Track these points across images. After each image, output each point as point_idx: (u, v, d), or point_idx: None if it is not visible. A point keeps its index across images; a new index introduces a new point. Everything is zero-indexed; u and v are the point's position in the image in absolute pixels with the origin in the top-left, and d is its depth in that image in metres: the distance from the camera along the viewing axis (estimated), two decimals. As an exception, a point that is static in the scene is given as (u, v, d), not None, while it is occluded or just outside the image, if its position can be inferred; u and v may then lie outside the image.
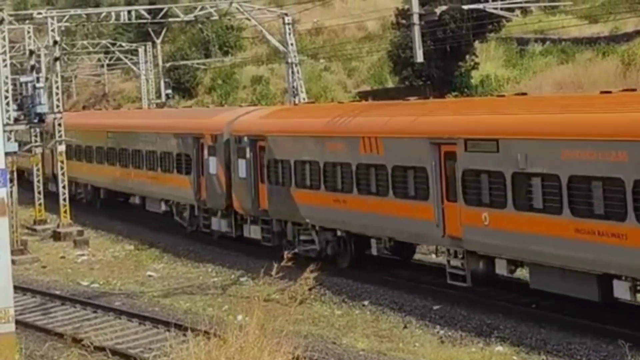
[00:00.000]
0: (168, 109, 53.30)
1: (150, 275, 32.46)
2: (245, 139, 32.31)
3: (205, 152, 35.04)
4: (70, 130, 43.36)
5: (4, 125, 28.89)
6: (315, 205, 29.07)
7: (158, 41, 70.80)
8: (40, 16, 43.69)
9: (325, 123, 28.98)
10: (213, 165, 34.54)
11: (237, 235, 34.32)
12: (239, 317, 23.08)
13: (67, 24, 46.68)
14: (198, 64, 74.72)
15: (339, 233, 28.51)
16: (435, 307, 24.05)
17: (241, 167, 32.59)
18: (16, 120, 38.99)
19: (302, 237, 30.01)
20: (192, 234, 37.55)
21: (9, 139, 36.24)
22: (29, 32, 43.49)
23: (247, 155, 32.19)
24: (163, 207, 39.91)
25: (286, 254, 15.78)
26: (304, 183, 29.61)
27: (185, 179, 36.72)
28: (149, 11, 47.37)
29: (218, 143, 34.09)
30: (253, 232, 32.88)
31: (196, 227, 37.16)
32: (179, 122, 39.64)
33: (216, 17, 51.98)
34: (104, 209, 47.14)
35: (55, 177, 43.89)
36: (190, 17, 48.44)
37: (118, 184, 44.80)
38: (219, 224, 35.03)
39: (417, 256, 29.57)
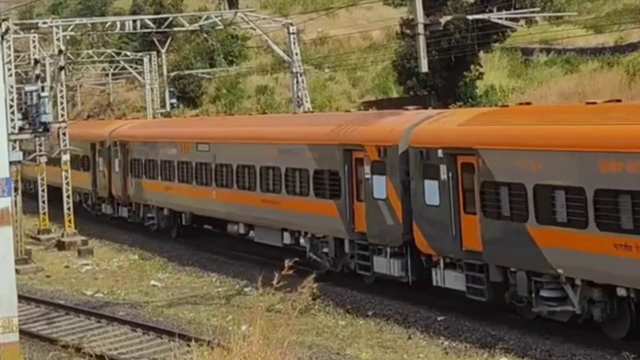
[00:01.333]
0: (299, 113, 41.37)
1: (154, 285, 32.43)
2: (440, 153, 24.11)
3: (366, 169, 27.05)
4: (138, 143, 43.21)
5: (9, 135, 28.94)
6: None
7: (163, 50, 70.81)
8: (45, 25, 43.80)
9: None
10: (380, 186, 26.65)
11: (415, 280, 25.96)
12: (243, 327, 23.01)
13: (72, 33, 46.77)
14: (203, 73, 74.75)
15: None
16: (439, 318, 23.99)
17: (431, 191, 24.40)
18: (21, 129, 38.99)
19: (546, 294, 21.53)
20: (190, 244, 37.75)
21: (13, 148, 36.29)
22: (34, 42, 43.51)
23: (442, 175, 23.96)
24: (286, 240, 31.28)
25: (287, 263, 15.63)
26: (552, 218, 20.89)
27: (331, 203, 28.70)
28: (154, 20, 47.47)
29: (388, 158, 26.14)
30: (451, 280, 24.22)
31: (343, 267, 28.85)
32: (318, 130, 30.24)
33: (221, 27, 52.05)
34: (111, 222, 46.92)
35: (128, 199, 44.16)
36: (195, 26, 48.57)
37: (211, 208, 36.63)
38: (388, 266, 26.40)
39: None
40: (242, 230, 34.30)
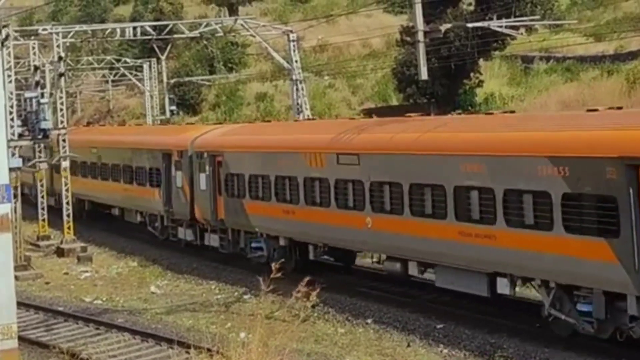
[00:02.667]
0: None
1: (153, 292, 32.42)
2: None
3: None
4: (238, 153, 33.65)
5: (8, 141, 28.95)
6: None
7: (163, 57, 70.83)
8: (45, 32, 43.85)
9: None
10: None
11: None
12: (242, 335, 23.04)
13: (72, 39, 46.85)
14: (202, 80, 74.77)
15: None
16: (438, 326, 23.98)
17: None
18: (20, 136, 39.00)
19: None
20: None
21: (13, 154, 36.30)
22: (34, 48, 43.54)
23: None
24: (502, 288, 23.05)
25: (274, 265, 15.55)
26: None
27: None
28: (154, 27, 47.52)
29: None
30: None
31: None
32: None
33: (221, 34, 52.12)
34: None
35: (221, 225, 34.75)
36: (195, 33, 48.62)
37: (362, 239, 27.69)
38: None
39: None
40: (414, 271, 25.92)
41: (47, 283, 35.32)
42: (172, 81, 72.34)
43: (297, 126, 36.76)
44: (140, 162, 41.55)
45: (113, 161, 45.04)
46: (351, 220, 27.29)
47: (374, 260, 28.59)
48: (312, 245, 29.85)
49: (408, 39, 51.25)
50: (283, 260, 23.56)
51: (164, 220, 39.62)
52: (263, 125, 40.33)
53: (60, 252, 40.96)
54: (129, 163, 42.80)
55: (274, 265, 15.42)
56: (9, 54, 37.99)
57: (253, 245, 32.91)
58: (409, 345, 23.18)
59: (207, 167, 34.83)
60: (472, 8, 55.44)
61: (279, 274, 15.20)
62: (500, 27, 35.75)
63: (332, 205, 28.12)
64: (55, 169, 45.89)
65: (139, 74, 70.81)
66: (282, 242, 31.06)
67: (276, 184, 30.85)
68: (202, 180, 35.24)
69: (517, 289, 22.81)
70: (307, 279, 15.76)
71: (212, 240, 35.53)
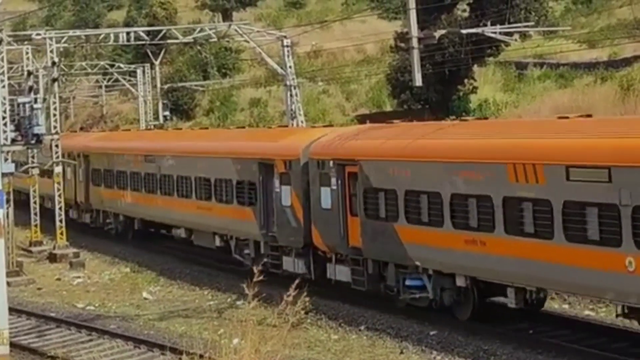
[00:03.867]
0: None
1: (145, 298, 32.31)
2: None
3: None
4: (382, 162, 25.74)
5: (1, 146, 28.87)
6: None
7: (156, 63, 70.84)
8: (39, 37, 43.76)
9: None
10: None
11: None
12: (235, 341, 22.93)
13: (66, 45, 46.80)
14: (196, 85, 74.77)
15: None
16: (432, 333, 23.91)
17: None
18: (13, 141, 38.90)
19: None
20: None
21: (5, 159, 36.21)
22: (27, 53, 43.45)
23: None
24: None
25: (256, 269, 15.45)
26: None
27: None
28: (148, 33, 47.50)
29: None
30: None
31: None
32: None
33: (215, 39, 52.08)
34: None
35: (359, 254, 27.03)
36: (189, 38, 48.55)
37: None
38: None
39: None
40: None
41: (39, 289, 35.20)
42: (165, 86, 72.34)
43: (497, 126, 28.25)
44: (223, 174, 33.65)
45: (180, 173, 37.22)
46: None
47: None
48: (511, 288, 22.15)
49: (402, 45, 51.34)
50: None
51: (259, 247, 31.49)
52: (424, 124, 31.27)
53: (52, 258, 40.84)
54: (206, 175, 35.10)
55: (256, 269, 15.36)
56: (2, 59, 37.92)
57: (408, 282, 25.35)
58: (402, 352, 23.10)
59: (333, 180, 27.40)
60: (466, 14, 55.55)
61: (261, 277, 15.11)
62: (495, 33, 35.83)
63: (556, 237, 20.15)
64: (91, 177, 45.46)
65: (132, 79, 70.77)
66: (459, 282, 23.57)
67: (452, 204, 23.13)
68: (326, 197, 27.57)
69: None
70: (296, 282, 15.71)
71: (340, 273, 27.80)
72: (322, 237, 27.76)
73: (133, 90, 71.94)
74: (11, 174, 36.04)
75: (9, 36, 44.98)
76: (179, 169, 37.30)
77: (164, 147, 40.04)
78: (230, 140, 35.96)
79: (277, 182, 29.87)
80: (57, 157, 41.61)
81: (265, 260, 29.44)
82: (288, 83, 43.02)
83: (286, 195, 29.40)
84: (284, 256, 29.83)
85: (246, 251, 32.45)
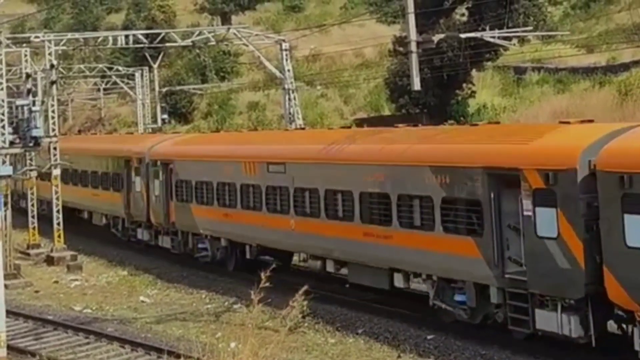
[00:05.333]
0: None
1: (143, 301, 32.29)
2: None
3: None
4: None
5: (-1, 149, 28.86)
6: None
7: (155, 66, 70.81)
8: (37, 40, 43.72)
9: None
10: None
11: None
12: (232, 344, 22.93)
13: (64, 47, 46.72)
14: (194, 89, 74.78)
15: None
16: (429, 337, 23.91)
17: None
18: (11, 143, 38.87)
19: None
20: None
21: (3, 162, 36.18)
22: (25, 56, 43.43)
23: None
24: None
25: (263, 275, 15.50)
26: None
27: None
28: (147, 36, 47.45)
29: None
30: None
31: None
32: None
33: (213, 43, 52.07)
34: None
35: None
36: (188, 42, 48.55)
37: None
38: None
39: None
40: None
41: (36, 292, 35.17)
42: (164, 90, 72.32)
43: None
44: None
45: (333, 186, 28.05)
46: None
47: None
48: None
49: (401, 49, 51.37)
50: None
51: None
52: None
53: (50, 261, 40.81)
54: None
55: (263, 275, 15.41)
56: (0, 62, 37.90)
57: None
58: (399, 357, 23.11)
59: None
60: (464, 19, 55.59)
61: (267, 283, 15.17)
62: (493, 37, 35.80)
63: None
64: (176, 191, 37.44)
65: (130, 82, 70.71)
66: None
67: None
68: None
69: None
70: (303, 288, 15.72)
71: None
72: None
73: (131, 93, 71.88)
74: (9, 176, 35.99)
75: (8, 38, 44.94)
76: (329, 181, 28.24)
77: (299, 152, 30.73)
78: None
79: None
80: (56, 160, 41.57)
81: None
82: (286, 87, 43.03)
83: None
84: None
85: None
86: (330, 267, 28.56)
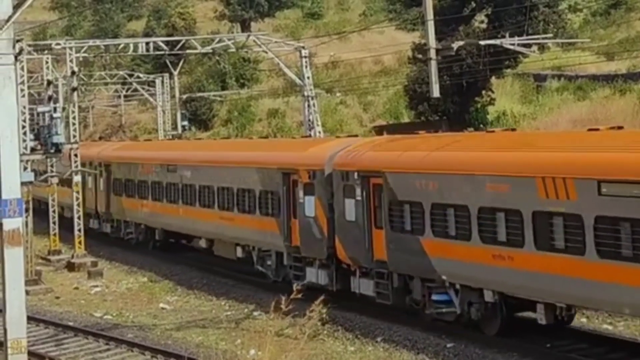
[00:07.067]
0: None
1: (163, 308, 32.37)
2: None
3: None
4: None
5: (21, 155, 29.00)
6: None
7: (175, 73, 71.12)
8: (59, 47, 43.95)
9: None
10: None
11: None
12: (252, 352, 23.01)
13: (85, 54, 46.96)
14: (214, 95, 74.98)
15: None
16: (449, 345, 23.86)
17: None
18: (33, 149, 39.09)
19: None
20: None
21: (25, 168, 36.37)
22: (47, 63, 43.69)
23: None
24: None
25: (295, 287, 15.56)
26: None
27: None
28: (167, 43, 47.66)
29: None
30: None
31: None
32: None
33: (233, 50, 52.20)
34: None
35: None
36: (208, 49, 48.68)
37: None
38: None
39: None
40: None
41: (57, 298, 35.31)
42: (184, 96, 72.58)
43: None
44: None
45: None
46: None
47: None
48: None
49: (420, 56, 51.29)
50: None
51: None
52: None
53: (70, 267, 40.98)
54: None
55: (295, 287, 15.46)
56: (22, 68, 38.10)
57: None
58: (418, 364, 23.10)
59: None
60: (484, 26, 55.53)
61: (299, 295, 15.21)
62: (513, 45, 35.77)
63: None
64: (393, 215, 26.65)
65: (151, 89, 71.03)
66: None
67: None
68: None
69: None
70: (321, 298, 15.77)
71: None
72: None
73: (152, 100, 72.18)
74: (30, 182, 36.18)
75: (29, 45, 45.24)
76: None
77: None
78: None
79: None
80: (77, 167, 41.77)
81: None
82: (306, 94, 43.09)
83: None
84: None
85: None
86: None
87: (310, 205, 28.65)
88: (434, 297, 24.39)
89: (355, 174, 26.59)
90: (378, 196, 25.95)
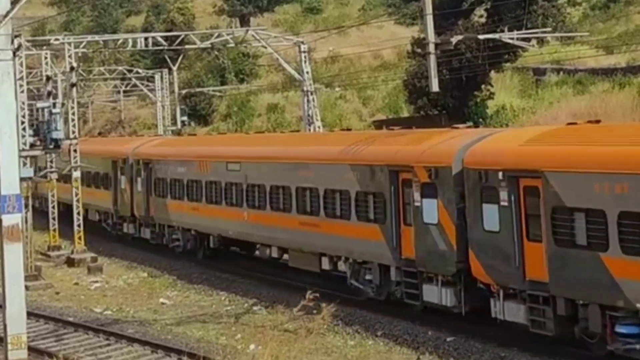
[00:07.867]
0: None
1: (163, 303, 32.39)
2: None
3: None
4: None
5: (20, 151, 28.99)
6: None
7: (174, 68, 71.03)
8: (57, 42, 43.90)
9: None
10: None
11: None
12: (252, 347, 23.04)
13: (84, 50, 46.88)
14: (214, 91, 74.96)
15: None
16: (448, 339, 23.88)
17: None
18: (32, 145, 39.06)
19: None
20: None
21: (24, 164, 36.35)
22: (46, 58, 43.64)
23: None
24: None
25: (308, 294, 15.52)
26: None
27: None
28: (166, 38, 47.56)
29: None
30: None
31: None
32: None
33: (232, 45, 52.14)
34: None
35: None
36: (207, 44, 48.66)
37: None
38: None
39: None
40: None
41: (57, 293, 35.31)
42: (183, 92, 72.53)
43: None
44: None
45: None
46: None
47: None
48: None
49: (419, 50, 51.33)
50: None
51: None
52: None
53: (70, 262, 40.98)
54: None
55: (308, 294, 15.41)
56: (21, 64, 38.02)
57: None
58: (418, 358, 23.07)
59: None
60: (483, 20, 55.53)
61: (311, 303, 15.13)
62: (512, 39, 35.73)
63: None
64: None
65: (150, 84, 70.97)
66: None
67: None
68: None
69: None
70: (313, 291, 15.78)
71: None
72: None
73: (151, 95, 72.13)
74: (30, 178, 36.18)
75: (28, 41, 45.18)
76: None
77: None
78: None
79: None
80: (76, 162, 41.76)
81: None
82: (305, 89, 43.06)
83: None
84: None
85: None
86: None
87: (430, 210, 23.92)
88: (619, 329, 19.43)
89: (500, 173, 21.64)
90: (533, 202, 21.13)
